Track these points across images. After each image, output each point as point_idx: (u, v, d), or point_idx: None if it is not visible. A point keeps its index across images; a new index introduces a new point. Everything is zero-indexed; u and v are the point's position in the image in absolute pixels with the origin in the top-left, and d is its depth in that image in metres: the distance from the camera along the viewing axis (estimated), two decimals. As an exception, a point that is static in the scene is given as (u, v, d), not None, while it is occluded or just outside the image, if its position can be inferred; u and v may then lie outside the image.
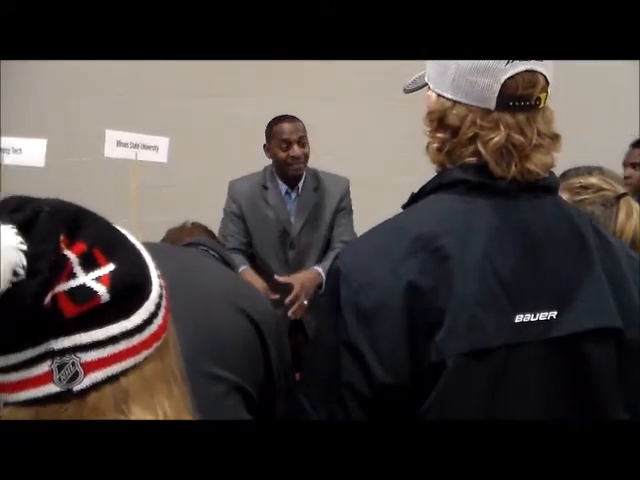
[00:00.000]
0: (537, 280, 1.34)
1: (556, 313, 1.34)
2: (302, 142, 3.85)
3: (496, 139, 1.33)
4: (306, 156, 3.87)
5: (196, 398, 1.73)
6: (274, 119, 3.93)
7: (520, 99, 1.33)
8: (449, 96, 1.37)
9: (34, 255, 0.81)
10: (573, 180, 1.96)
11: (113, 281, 0.87)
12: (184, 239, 2.28)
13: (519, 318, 1.32)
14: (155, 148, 3.55)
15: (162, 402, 0.91)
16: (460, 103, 1.36)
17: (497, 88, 1.32)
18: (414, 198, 1.43)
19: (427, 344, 1.28)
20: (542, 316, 1.33)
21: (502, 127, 1.33)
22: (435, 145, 1.40)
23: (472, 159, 1.36)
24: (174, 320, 1.78)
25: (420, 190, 1.44)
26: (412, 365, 1.28)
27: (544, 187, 1.39)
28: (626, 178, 3.94)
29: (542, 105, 1.36)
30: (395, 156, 4.58)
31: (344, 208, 3.95)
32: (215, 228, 2.53)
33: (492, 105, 1.33)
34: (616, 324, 1.37)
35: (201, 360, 1.76)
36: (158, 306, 0.94)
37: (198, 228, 2.42)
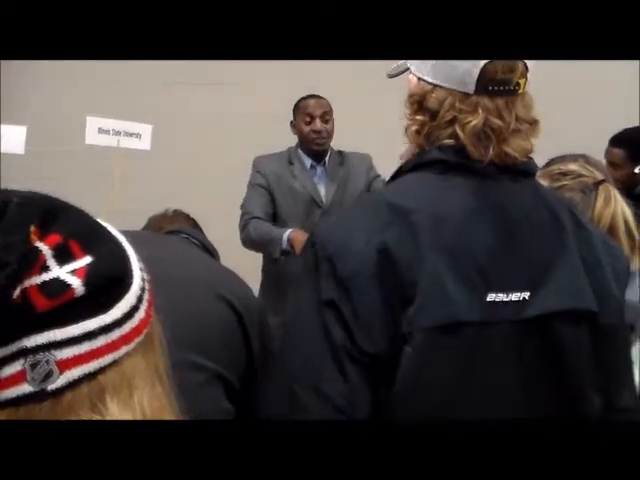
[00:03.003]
0: (511, 261, 1.36)
1: (529, 294, 1.35)
2: (325, 118, 3.99)
3: (474, 122, 1.35)
4: (329, 132, 4.02)
5: (179, 387, 1.75)
6: (301, 98, 4.09)
7: (499, 84, 1.35)
8: (429, 80, 1.39)
9: (1, 247, 0.78)
10: (553, 167, 1.96)
11: (90, 274, 0.83)
12: (165, 227, 2.27)
13: (491, 297, 1.33)
14: (138, 135, 3.54)
15: (142, 400, 0.88)
16: (440, 87, 1.38)
17: (476, 72, 1.34)
18: (394, 176, 1.46)
19: (401, 316, 1.30)
20: (515, 296, 1.34)
21: (480, 111, 1.35)
22: (414, 127, 1.42)
23: (450, 141, 1.38)
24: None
25: (400, 169, 1.46)
26: (389, 335, 1.30)
27: (522, 171, 1.41)
28: None
29: (521, 90, 1.37)
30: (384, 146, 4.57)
31: (377, 176, 4.04)
32: (200, 217, 2.51)
33: (471, 89, 1.35)
34: (589, 306, 1.39)
35: (182, 349, 1.66)
36: (140, 299, 0.90)
37: (180, 216, 2.39)
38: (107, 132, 3.43)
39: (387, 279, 1.29)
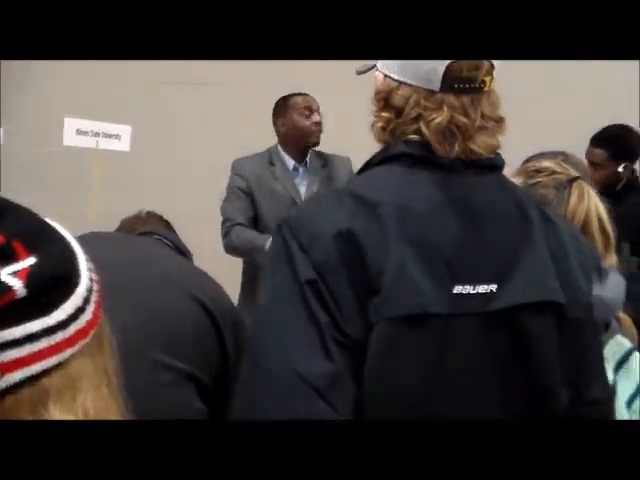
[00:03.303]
0: (478, 253, 1.36)
1: (496, 287, 1.35)
2: (319, 111, 4.02)
3: (438, 119, 1.36)
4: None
5: (144, 387, 1.75)
6: (284, 96, 4.07)
7: (464, 81, 1.36)
8: (395, 77, 1.40)
9: None
10: (528, 164, 1.95)
11: (32, 275, 0.81)
12: (138, 229, 2.27)
13: (457, 289, 1.33)
14: (117, 136, 3.53)
15: (85, 403, 0.86)
16: (406, 84, 1.39)
17: (442, 70, 1.35)
18: (361, 170, 1.46)
19: (370, 305, 1.29)
20: (482, 289, 1.34)
21: (445, 108, 1.36)
22: (379, 124, 1.43)
23: (415, 136, 1.39)
24: (121, 310, 1.79)
25: (367, 163, 1.46)
26: (363, 323, 1.29)
27: (488, 165, 1.41)
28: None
29: (487, 88, 1.38)
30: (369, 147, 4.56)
31: None
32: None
33: (436, 86, 1.36)
34: (556, 299, 1.38)
35: (149, 348, 1.76)
36: (86, 300, 0.88)
37: (153, 217, 2.38)
38: (85, 133, 3.42)
39: (355, 267, 1.29)
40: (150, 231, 2.21)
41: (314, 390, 1.26)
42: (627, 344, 1.86)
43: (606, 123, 4.02)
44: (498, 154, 1.44)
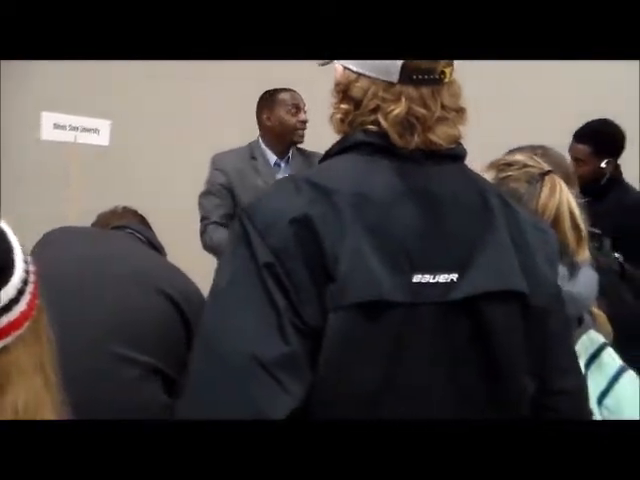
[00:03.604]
0: (438, 242, 1.34)
1: (457, 276, 1.33)
2: (305, 109, 4.01)
3: (396, 111, 1.35)
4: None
5: (109, 382, 1.75)
6: (272, 90, 4.06)
7: (423, 73, 1.36)
8: (354, 69, 1.39)
9: None
10: (501, 157, 1.93)
11: None
12: (112, 223, 2.28)
13: (417, 278, 1.31)
14: (96, 131, 3.51)
15: (17, 395, 0.85)
16: (364, 75, 1.38)
17: (400, 61, 1.35)
18: (320, 161, 1.45)
19: (326, 291, 1.27)
20: (442, 278, 1.33)
21: (404, 99, 1.35)
22: (338, 116, 1.42)
23: (373, 127, 1.38)
24: (86, 304, 1.81)
25: (327, 153, 1.45)
26: (320, 310, 1.27)
27: (449, 155, 1.40)
28: None
29: (447, 79, 1.38)
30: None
31: None
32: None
33: (395, 78, 1.36)
34: (519, 287, 1.36)
35: (114, 343, 1.77)
36: (20, 292, 0.88)
37: (128, 212, 2.39)
38: (63, 127, 3.39)
39: (311, 254, 1.27)
40: (123, 225, 2.22)
41: (266, 372, 1.23)
42: (600, 339, 1.84)
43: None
44: (460, 144, 1.43)
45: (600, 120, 3.98)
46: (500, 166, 1.89)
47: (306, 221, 1.28)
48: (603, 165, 3.89)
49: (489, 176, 1.88)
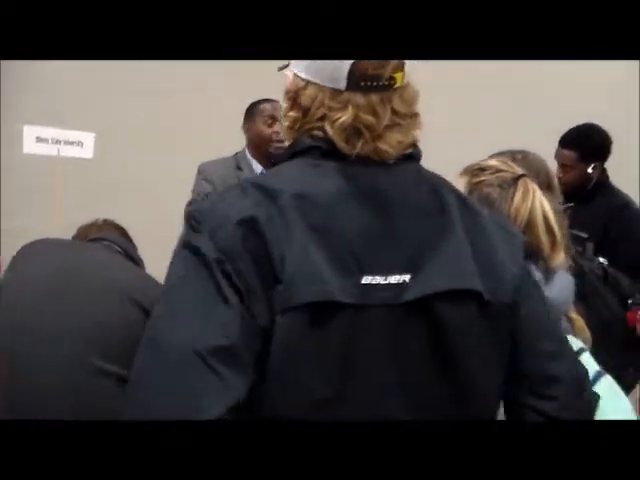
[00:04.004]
0: (388, 243, 1.33)
1: (409, 277, 1.32)
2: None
3: (342, 119, 1.34)
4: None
5: (89, 395, 1.76)
6: (256, 101, 4.09)
7: (371, 79, 1.34)
8: (302, 76, 1.38)
9: None
10: (475, 163, 1.91)
11: None
12: (91, 235, 2.32)
13: (367, 279, 1.30)
14: (79, 144, 3.50)
15: None
16: (312, 83, 1.37)
17: (346, 68, 1.34)
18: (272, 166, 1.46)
19: (274, 293, 1.26)
20: (394, 279, 1.31)
21: (350, 107, 1.34)
22: (286, 124, 1.42)
23: (320, 133, 1.37)
24: (61, 316, 1.82)
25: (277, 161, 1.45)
26: (268, 312, 1.26)
27: (404, 157, 1.39)
28: (558, 179, 3.83)
29: (398, 85, 1.36)
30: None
31: None
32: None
33: (342, 85, 1.34)
34: (473, 286, 1.34)
35: (89, 355, 1.80)
36: None
37: (108, 224, 2.43)
38: (46, 141, 3.38)
39: (258, 255, 1.27)
40: (101, 237, 2.26)
41: (206, 365, 1.22)
42: (577, 344, 1.82)
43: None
44: (416, 146, 1.41)
45: (586, 125, 3.97)
46: (474, 171, 1.88)
47: (252, 223, 1.28)
48: (590, 170, 3.88)
49: (463, 181, 1.87)
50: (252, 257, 1.26)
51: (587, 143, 3.91)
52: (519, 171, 1.85)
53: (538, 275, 1.78)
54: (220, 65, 4.16)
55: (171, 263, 1.33)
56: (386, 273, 1.31)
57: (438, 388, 1.34)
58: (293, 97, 1.40)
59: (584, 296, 2.43)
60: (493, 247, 1.40)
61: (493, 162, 1.89)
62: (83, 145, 3.49)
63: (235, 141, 4.11)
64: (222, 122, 4.40)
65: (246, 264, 1.26)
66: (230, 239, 1.27)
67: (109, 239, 2.24)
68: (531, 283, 1.47)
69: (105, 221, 2.46)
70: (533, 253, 1.79)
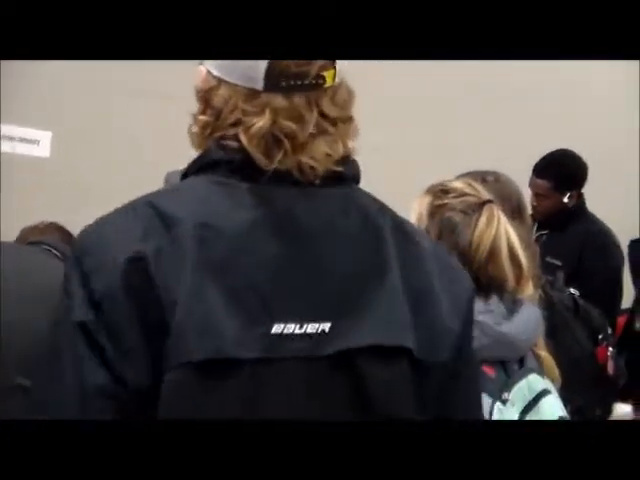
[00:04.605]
0: (307, 284, 1.13)
1: (329, 325, 1.12)
2: None
3: (258, 125, 1.13)
4: None
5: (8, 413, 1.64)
6: None
7: (295, 77, 1.13)
8: (215, 73, 1.17)
9: None
10: (438, 183, 1.78)
11: None
12: (31, 238, 2.27)
13: (277, 328, 1.10)
14: (36, 142, 3.40)
15: None
16: (226, 82, 1.16)
17: (264, 65, 1.13)
18: (182, 177, 1.24)
19: (163, 346, 1.07)
20: (310, 328, 1.11)
21: (268, 111, 1.13)
22: (194, 129, 1.20)
23: (234, 143, 1.16)
24: None
25: (186, 171, 1.22)
26: (151, 371, 1.07)
27: (334, 177, 1.17)
28: (533, 207, 3.72)
29: (329, 84, 1.15)
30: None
31: None
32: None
33: (259, 85, 1.13)
34: (403, 342, 1.15)
35: (12, 372, 1.70)
36: None
37: (51, 227, 2.37)
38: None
39: (144, 301, 1.08)
40: (39, 241, 2.19)
41: None
42: (540, 386, 1.69)
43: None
44: (352, 161, 1.20)
45: (560, 152, 3.86)
46: (436, 193, 1.73)
47: (138, 261, 1.08)
48: (565, 200, 3.76)
49: (425, 202, 1.73)
50: (136, 306, 1.07)
51: (562, 172, 3.79)
52: (485, 196, 1.71)
53: (500, 308, 1.68)
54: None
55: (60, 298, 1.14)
56: (301, 320, 1.11)
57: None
58: (204, 98, 1.18)
59: (553, 328, 2.32)
60: (433, 293, 1.19)
61: (458, 184, 1.75)
62: (39, 143, 3.40)
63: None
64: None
65: (125, 316, 1.07)
66: (109, 284, 1.08)
67: (48, 243, 2.14)
68: (466, 342, 1.24)
69: (50, 224, 2.40)
70: (496, 285, 1.67)
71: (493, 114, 4.86)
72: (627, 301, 3.82)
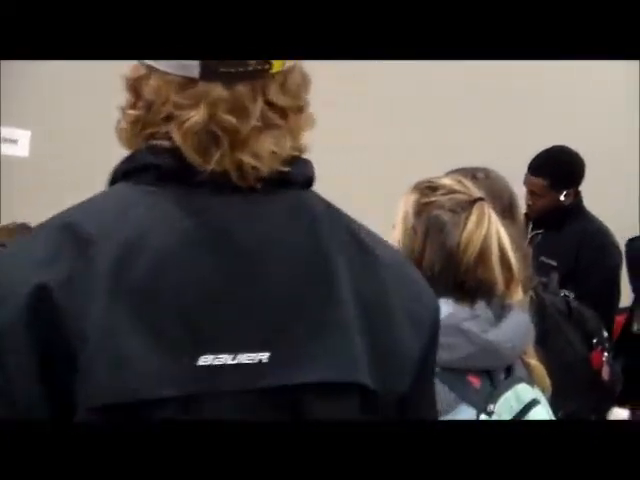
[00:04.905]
0: (243, 309, 0.99)
1: (268, 355, 0.98)
2: None
3: (192, 120, 0.99)
4: None
5: None
6: None
7: (236, 64, 0.99)
8: (145, 60, 1.04)
9: None
10: (426, 179, 1.68)
11: None
12: None
13: (206, 360, 0.96)
14: (14, 141, 3.40)
15: None
16: (156, 70, 1.02)
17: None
18: (110, 183, 1.09)
19: (72, 387, 0.94)
20: (245, 358, 0.97)
21: (204, 104, 0.99)
22: (123, 125, 1.06)
23: (165, 142, 1.02)
24: None
25: (112, 176, 1.08)
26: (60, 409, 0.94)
27: (279, 180, 1.02)
28: (528, 206, 3.63)
29: (276, 69, 1.00)
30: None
31: None
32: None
33: (195, 73, 1.00)
34: (356, 378, 1.01)
35: None
36: None
37: (21, 228, 2.34)
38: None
39: (49, 338, 0.94)
40: (3, 244, 2.07)
41: None
42: (529, 396, 1.59)
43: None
44: (304, 162, 1.05)
45: (556, 149, 3.74)
46: (423, 190, 1.63)
47: (45, 291, 0.94)
48: (562, 198, 3.66)
49: (411, 199, 1.63)
50: (38, 344, 0.93)
51: (558, 169, 3.67)
52: (476, 194, 1.61)
53: (487, 313, 1.59)
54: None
55: None
56: (235, 350, 0.97)
57: None
58: (134, 88, 1.04)
59: (545, 333, 2.24)
60: (390, 314, 1.05)
61: (447, 181, 1.65)
62: (18, 143, 3.40)
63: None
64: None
65: (28, 354, 0.93)
66: (8, 321, 0.94)
67: (10, 245, 2.07)
68: (427, 367, 1.11)
69: (21, 225, 2.36)
70: (484, 289, 1.58)
71: (493, 114, 4.80)
72: (625, 300, 3.75)
